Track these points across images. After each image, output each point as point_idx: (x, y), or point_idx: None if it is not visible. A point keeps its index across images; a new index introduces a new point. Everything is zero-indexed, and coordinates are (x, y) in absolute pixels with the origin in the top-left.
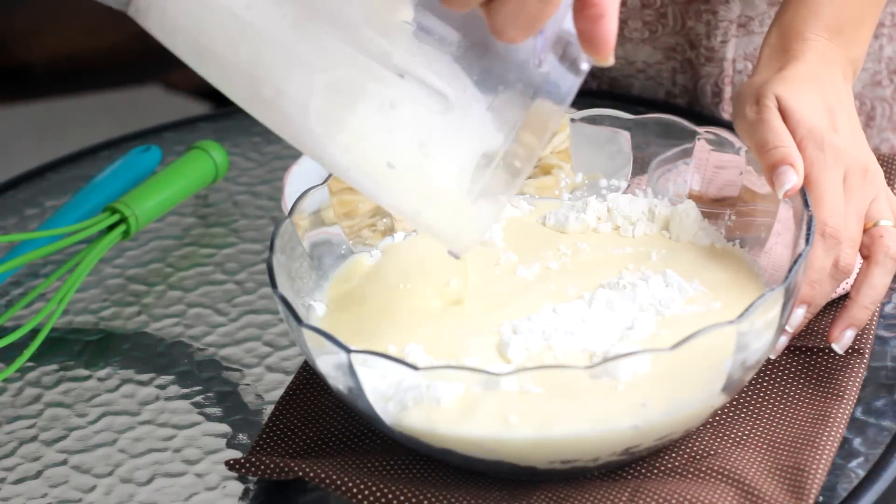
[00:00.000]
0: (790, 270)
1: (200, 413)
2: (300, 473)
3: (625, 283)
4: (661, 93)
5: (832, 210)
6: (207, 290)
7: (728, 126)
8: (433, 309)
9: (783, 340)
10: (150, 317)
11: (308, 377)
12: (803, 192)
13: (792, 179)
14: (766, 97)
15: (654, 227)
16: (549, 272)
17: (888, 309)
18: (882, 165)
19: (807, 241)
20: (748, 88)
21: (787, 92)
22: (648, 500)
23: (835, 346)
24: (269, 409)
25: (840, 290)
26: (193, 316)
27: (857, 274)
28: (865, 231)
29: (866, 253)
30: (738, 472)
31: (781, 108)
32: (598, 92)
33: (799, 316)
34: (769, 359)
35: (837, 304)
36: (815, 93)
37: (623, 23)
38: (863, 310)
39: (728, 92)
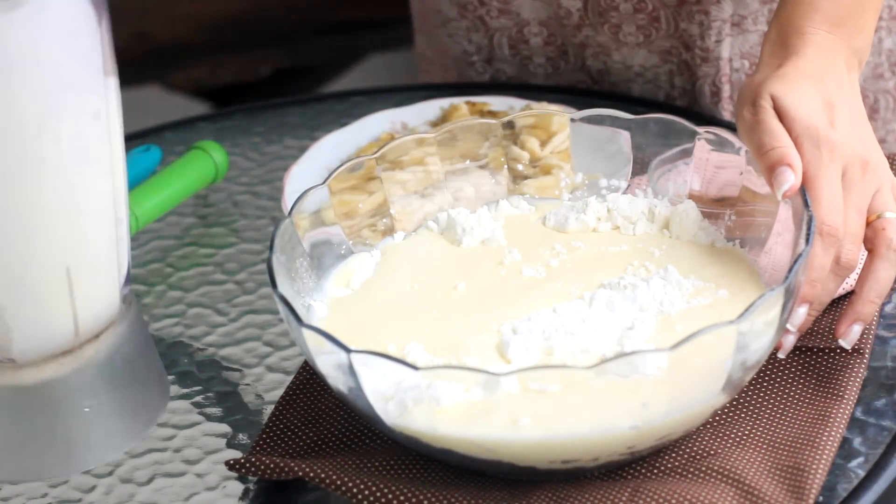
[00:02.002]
0: (790, 270)
1: (200, 413)
2: (300, 473)
3: (625, 283)
4: (661, 95)
5: (829, 208)
6: (207, 290)
7: (727, 126)
8: (433, 308)
9: (791, 340)
10: (150, 317)
11: (308, 377)
12: (803, 191)
13: (790, 179)
14: (762, 97)
15: (654, 227)
16: (550, 272)
17: (888, 309)
18: None
19: (807, 240)
20: (747, 89)
21: (782, 90)
22: (648, 500)
23: (842, 342)
24: (269, 409)
25: (841, 291)
26: (193, 316)
27: (861, 269)
28: (868, 224)
29: (870, 246)
30: (738, 472)
31: (777, 107)
32: (598, 92)
33: (801, 315)
34: (770, 359)
35: (838, 304)
36: (814, 88)
37: (617, 27)
38: (868, 304)
39: (726, 91)
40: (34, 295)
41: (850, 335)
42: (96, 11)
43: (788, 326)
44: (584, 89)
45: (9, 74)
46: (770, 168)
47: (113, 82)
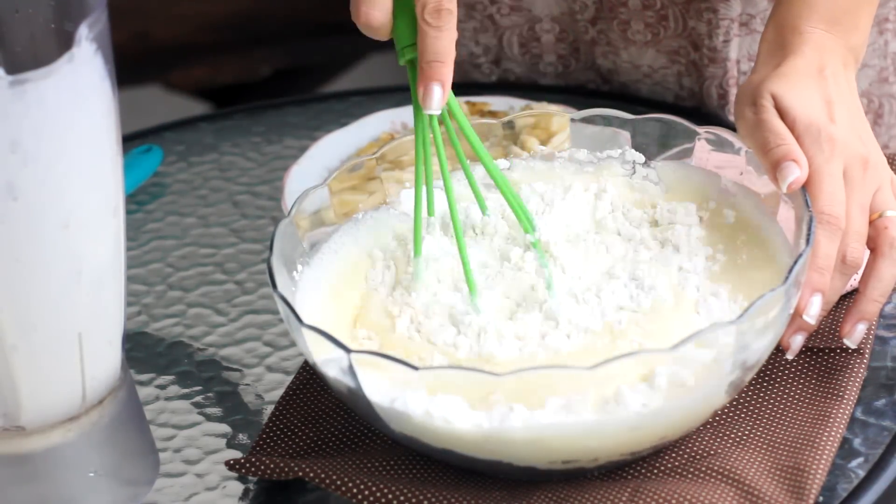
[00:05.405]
0: (790, 270)
1: (200, 413)
2: (300, 473)
3: (622, 280)
4: (669, 97)
5: (830, 199)
6: (207, 290)
7: (732, 127)
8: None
9: (799, 341)
10: (150, 317)
11: (308, 377)
12: (803, 191)
13: (795, 172)
14: (763, 97)
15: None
16: (550, 262)
17: (888, 309)
18: None
19: (807, 241)
20: (746, 89)
21: (782, 89)
22: (648, 500)
23: (847, 342)
24: (269, 409)
25: (848, 288)
26: (193, 316)
27: (865, 267)
28: (871, 223)
29: (872, 245)
30: (738, 472)
31: (778, 106)
32: (604, 93)
33: (816, 304)
34: (770, 359)
35: (839, 304)
36: (813, 87)
37: (626, 24)
38: (872, 303)
39: (733, 94)
40: (47, 363)
41: (854, 334)
42: (111, 80)
43: (806, 318)
44: (589, 90)
45: (36, 149)
46: (775, 164)
47: (121, 161)
